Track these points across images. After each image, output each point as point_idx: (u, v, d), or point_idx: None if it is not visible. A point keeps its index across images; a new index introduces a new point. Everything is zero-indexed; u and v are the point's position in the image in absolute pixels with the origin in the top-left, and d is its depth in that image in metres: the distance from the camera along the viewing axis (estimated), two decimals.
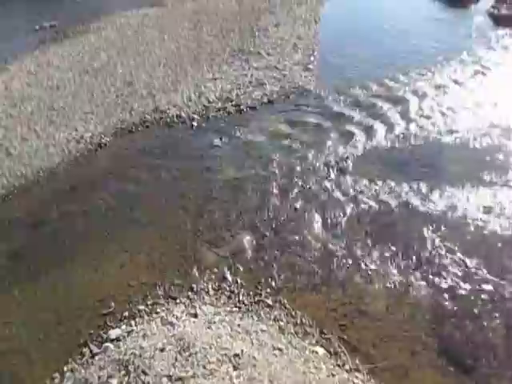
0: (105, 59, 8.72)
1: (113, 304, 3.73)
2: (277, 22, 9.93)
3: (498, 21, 9.23)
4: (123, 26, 10.85)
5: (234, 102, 6.67)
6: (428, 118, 5.91)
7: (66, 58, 9.00)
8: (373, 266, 3.87)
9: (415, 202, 4.52)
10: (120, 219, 4.67)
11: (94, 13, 12.42)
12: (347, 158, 5.27)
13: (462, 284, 3.63)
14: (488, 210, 4.32)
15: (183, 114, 6.50)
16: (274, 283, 3.80)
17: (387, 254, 3.97)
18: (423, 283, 3.68)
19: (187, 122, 6.37)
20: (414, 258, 3.92)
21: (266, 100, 6.70)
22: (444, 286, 3.64)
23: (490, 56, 7.50)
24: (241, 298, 3.70)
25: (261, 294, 3.71)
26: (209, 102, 6.75)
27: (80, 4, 14.40)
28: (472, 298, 3.52)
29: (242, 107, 6.55)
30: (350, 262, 3.94)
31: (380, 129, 5.77)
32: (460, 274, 3.72)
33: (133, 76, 7.85)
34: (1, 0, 16.37)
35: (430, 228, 4.19)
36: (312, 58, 7.96)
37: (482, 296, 3.52)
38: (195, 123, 6.30)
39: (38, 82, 7.98)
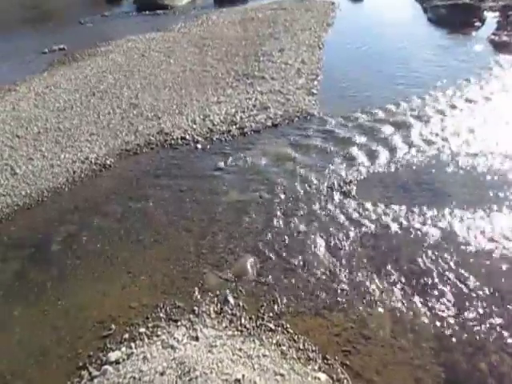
0: (111, 82, 8.86)
1: (113, 326, 3.70)
2: (281, 47, 10.10)
3: (499, 48, 9.36)
4: (130, 49, 11.06)
5: (238, 125, 6.74)
6: (430, 142, 5.94)
7: (73, 80, 9.15)
8: (376, 291, 3.84)
9: (418, 226, 4.50)
10: (123, 240, 4.67)
11: (102, 37, 12.69)
12: (350, 181, 5.28)
13: (467, 311, 3.59)
14: (492, 235, 4.29)
15: (188, 137, 6.57)
16: (276, 307, 3.77)
17: (391, 279, 3.94)
18: (427, 309, 3.64)
19: (192, 144, 6.43)
20: (418, 283, 3.88)
21: (270, 123, 6.76)
22: (449, 312, 3.59)
23: (491, 82, 7.59)
24: (243, 321, 3.66)
25: (263, 318, 3.67)
26: (213, 124, 6.82)
27: (89, 28, 14.73)
28: (477, 325, 3.47)
29: (246, 130, 6.62)
30: (354, 286, 3.91)
31: (383, 153, 5.80)
32: (465, 300, 3.68)
33: (138, 98, 7.96)
34: (13, 23, 16.79)
35: (434, 253, 4.16)
36: (316, 83, 8.06)
37: (488, 323, 3.47)
38: (200, 145, 6.35)
39: (46, 103, 8.10)
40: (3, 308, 4.00)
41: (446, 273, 3.95)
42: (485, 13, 11.60)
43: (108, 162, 6.10)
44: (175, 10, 16.68)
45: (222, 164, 5.86)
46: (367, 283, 3.92)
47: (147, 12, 16.45)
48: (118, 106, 7.73)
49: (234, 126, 6.73)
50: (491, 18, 11.40)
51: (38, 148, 6.51)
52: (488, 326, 3.46)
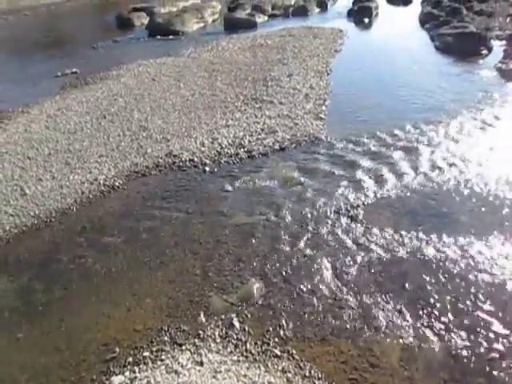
0: (122, 105, 9.01)
1: (117, 349, 3.66)
2: (289, 72, 10.24)
3: (506, 75, 9.42)
4: (141, 73, 11.28)
5: (246, 149, 6.79)
6: (437, 167, 5.94)
7: (84, 102, 9.32)
8: (384, 318, 3.77)
9: (426, 252, 4.46)
10: (129, 261, 4.66)
11: (114, 61, 12.97)
12: (358, 205, 5.27)
13: (477, 339, 3.51)
14: (501, 262, 4.23)
15: (196, 159, 6.62)
16: (282, 332, 3.71)
17: (399, 306, 3.88)
18: (437, 338, 3.56)
19: (200, 166, 6.47)
20: (426, 310, 3.82)
21: (277, 147, 6.81)
22: (459, 341, 3.52)
23: (499, 110, 7.61)
24: (248, 346, 3.60)
25: (269, 344, 3.61)
26: (221, 147, 6.88)
27: (102, 53, 15.07)
28: (488, 354, 3.39)
29: (253, 153, 6.66)
30: (361, 312, 3.85)
31: (390, 178, 5.79)
32: (475, 328, 3.61)
33: (148, 121, 8.07)
34: (27, 48, 17.24)
35: (443, 279, 4.11)
36: (323, 108, 8.14)
37: (500, 352, 3.39)
38: (207, 168, 6.39)
39: (57, 125, 8.23)
40: (7, 329, 3.98)
41: (456, 300, 3.88)
42: (491, 41, 11.73)
43: (116, 183, 6.15)
44: (186, 35, 17.06)
45: (229, 187, 5.88)
46: (374, 309, 3.86)
47: (158, 37, 16.85)
48: (127, 128, 7.84)
49: (242, 149, 6.78)
50: (498, 46, 11.52)
51: (47, 169, 6.59)
52: (501, 355, 3.38)
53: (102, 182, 6.18)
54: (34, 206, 5.72)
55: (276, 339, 3.65)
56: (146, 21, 20.04)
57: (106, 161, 6.72)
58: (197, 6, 23.08)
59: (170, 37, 16.77)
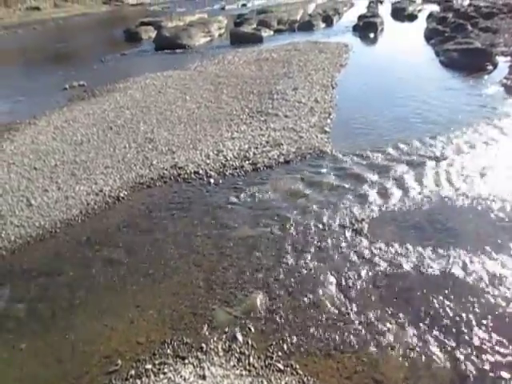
0: (128, 117, 9.09)
1: (120, 361, 3.63)
2: (295, 86, 10.31)
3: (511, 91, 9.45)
4: (148, 86, 11.40)
5: (251, 161, 6.81)
6: (443, 182, 5.92)
7: (91, 114, 9.41)
8: (389, 333, 3.73)
9: (432, 266, 4.42)
10: (133, 273, 4.65)
11: (121, 74, 13.13)
12: (362, 219, 5.25)
13: (484, 356, 3.46)
14: (510, 278, 4.19)
15: (201, 171, 6.64)
16: (286, 346, 3.68)
17: (404, 321, 3.84)
18: (443, 354, 3.51)
19: (204, 178, 6.49)
20: (432, 325, 3.77)
21: (282, 160, 6.82)
22: (466, 358, 3.46)
23: (504, 125, 7.61)
24: (251, 360, 3.57)
25: (272, 358, 3.58)
26: (226, 160, 6.90)
27: (109, 66, 15.26)
28: (497, 371, 3.34)
29: (258, 166, 6.68)
30: (365, 327, 3.81)
31: (395, 192, 5.78)
32: (482, 345, 3.56)
33: (154, 133, 8.13)
34: (36, 62, 17.48)
35: (449, 295, 4.06)
36: (328, 121, 8.17)
37: (508, 371, 3.34)
38: (212, 180, 6.41)
39: (64, 136, 8.30)
40: (11, 339, 3.96)
41: (462, 316, 3.83)
42: (497, 57, 11.79)
43: (121, 194, 6.17)
44: (192, 49, 17.28)
45: (234, 199, 5.89)
46: (379, 324, 3.82)
47: (165, 51, 17.07)
48: (133, 140, 7.89)
49: (247, 162, 6.80)
50: (503, 62, 11.58)
51: (54, 180, 6.63)
52: (509, 374, 3.32)
53: (107, 193, 6.20)
54: (40, 217, 5.74)
55: (279, 353, 3.62)
56: (153, 34, 20.34)
57: (112, 172, 6.75)
58: (204, 20, 23.43)
59: (177, 50, 16.99)
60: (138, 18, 26.36)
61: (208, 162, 6.89)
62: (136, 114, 9.26)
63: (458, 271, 4.34)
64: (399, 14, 21.98)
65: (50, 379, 3.56)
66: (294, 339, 3.74)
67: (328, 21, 20.98)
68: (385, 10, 23.45)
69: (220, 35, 20.36)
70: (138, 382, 3.44)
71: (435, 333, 3.70)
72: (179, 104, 9.71)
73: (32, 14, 34.86)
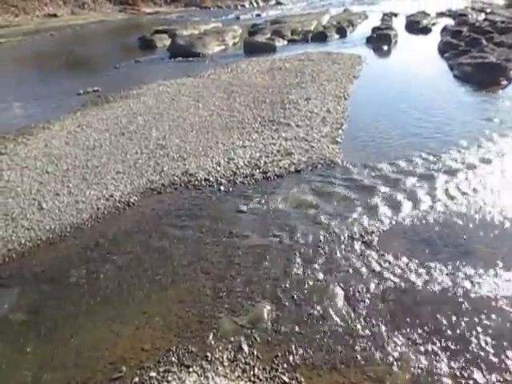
0: (141, 123, 9.15)
1: (124, 368, 3.62)
2: (307, 96, 10.32)
3: None
4: (161, 93, 11.48)
5: (261, 170, 6.81)
6: (454, 197, 5.85)
7: (104, 120, 9.49)
8: (396, 349, 3.67)
9: (441, 282, 4.36)
10: (141, 279, 4.65)
11: (135, 81, 13.26)
12: (372, 231, 5.20)
13: (492, 377, 3.38)
14: None
15: (211, 178, 6.65)
16: (291, 358, 3.64)
17: (412, 337, 3.78)
18: (450, 372, 3.45)
19: (215, 186, 6.50)
20: (440, 343, 3.71)
21: (293, 169, 6.81)
22: (473, 378, 3.39)
23: None
24: (256, 371, 3.53)
25: (277, 370, 3.54)
26: (237, 167, 6.91)
27: (123, 73, 15.42)
28: None
29: (269, 175, 6.67)
30: (372, 342, 3.75)
31: (406, 205, 5.72)
32: (490, 366, 3.48)
33: (166, 140, 8.17)
34: (52, 67, 17.73)
35: (458, 312, 4.00)
36: (340, 132, 8.15)
37: None
38: (223, 188, 6.41)
39: (76, 141, 8.38)
40: (16, 343, 3.97)
41: (471, 335, 3.77)
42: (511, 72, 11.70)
43: (132, 200, 6.19)
44: (206, 57, 17.39)
45: (243, 207, 5.88)
46: (387, 340, 3.76)
47: (179, 59, 17.21)
48: (145, 146, 7.94)
49: (258, 170, 6.80)
50: None
51: (65, 184, 6.68)
52: None
53: (117, 198, 6.23)
54: (50, 221, 5.78)
55: (285, 365, 3.58)
56: (167, 42, 20.52)
57: (123, 177, 6.79)
58: (218, 29, 23.63)
59: (191, 58, 17.12)
60: (153, 26, 26.67)
61: (219, 169, 6.91)
62: (148, 120, 9.32)
63: (468, 288, 4.27)
64: (413, 26, 21.95)
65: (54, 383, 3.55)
66: (300, 351, 3.70)
67: (342, 32, 21.01)
68: (399, 23, 23.44)
69: (234, 44, 20.49)
70: None
71: (443, 350, 3.64)
72: (192, 111, 9.76)
73: (49, 21, 35.44)
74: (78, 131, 8.93)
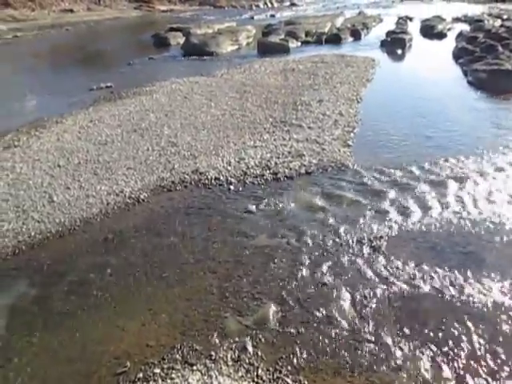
0: (153, 120, 9.20)
1: (128, 363, 3.64)
2: (320, 98, 10.29)
3: None
4: (174, 91, 11.53)
5: (272, 170, 6.80)
6: (465, 205, 5.79)
7: (117, 116, 9.55)
8: (401, 355, 3.65)
9: (449, 290, 4.32)
10: (147, 275, 4.67)
11: (148, 78, 13.33)
12: (381, 236, 5.17)
13: None
14: None
15: (222, 178, 6.66)
16: (295, 361, 3.63)
17: (417, 344, 3.75)
18: (457, 381, 3.41)
19: (225, 185, 6.51)
20: (446, 351, 3.67)
21: (303, 171, 6.80)
22: None
23: None
24: (259, 372, 3.53)
25: (281, 371, 3.53)
26: (247, 167, 6.91)
27: (137, 69, 15.50)
28: None
29: (279, 176, 6.66)
30: (378, 347, 3.73)
31: (416, 211, 5.68)
32: (497, 374, 3.45)
33: (177, 138, 8.20)
34: (67, 62, 17.88)
35: (465, 320, 3.95)
36: (352, 135, 8.12)
37: None
38: (232, 187, 6.42)
39: (88, 136, 8.45)
40: (23, 334, 4.01)
41: (478, 343, 3.73)
42: None
43: (142, 196, 6.22)
44: (220, 56, 17.43)
45: (253, 207, 5.88)
46: (392, 346, 3.74)
47: (193, 57, 17.27)
48: (157, 143, 7.97)
49: (268, 171, 6.79)
50: None
51: (76, 178, 6.73)
52: None
53: (127, 194, 6.27)
54: (60, 214, 5.82)
55: (289, 367, 3.57)
56: (181, 40, 20.62)
57: (134, 173, 6.83)
58: (232, 29, 23.68)
59: (204, 57, 17.16)
60: (167, 24, 26.79)
61: (229, 168, 6.91)
62: (160, 117, 9.36)
63: (476, 296, 4.23)
64: (428, 31, 21.81)
65: (59, 376, 3.58)
66: (305, 354, 3.69)
67: (356, 35, 20.94)
68: (414, 27, 23.29)
69: (248, 44, 20.51)
70: None
71: (449, 359, 3.60)
72: (204, 110, 9.79)
73: (65, 16, 35.77)
74: (90, 126, 8.99)
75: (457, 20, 25.80)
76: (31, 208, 5.96)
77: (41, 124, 9.37)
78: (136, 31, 29.51)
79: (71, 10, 37.74)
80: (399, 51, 16.99)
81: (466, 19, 25.58)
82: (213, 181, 6.60)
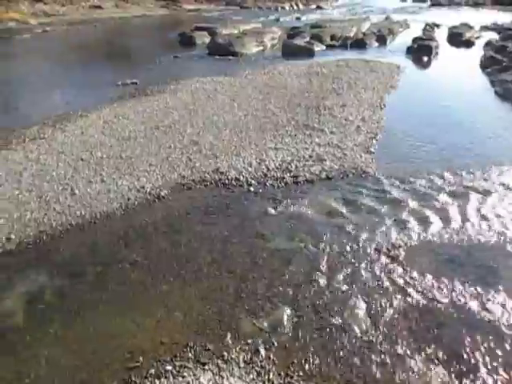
0: (176, 118, 9.27)
1: (141, 359, 3.67)
2: (343, 103, 10.24)
3: None
4: (198, 90, 11.61)
5: (292, 174, 6.79)
6: (488, 219, 5.67)
7: (140, 112, 9.66)
8: (415, 369, 3.59)
9: (468, 305, 4.24)
10: (165, 273, 4.70)
11: (173, 76, 13.44)
12: (399, 246, 5.12)
13: None
14: None
15: (242, 178, 6.68)
16: (307, 366, 3.61)
17: (432, 358, 3.69)
18: None
19: (245, 186, 6.52)
20: (461, 367, 3.60)
21: (324, 176, 6.77)
22: None
23: None
24: (271, 376, 3.52)
25: (292, 377, 3.52)
26: (268, 169, 6.91)
27: (162, 67, 15.65)
28: None
29: (299, 179, 6.65)
30: (391, 359, 3.68)
31: (436, 222, 5.60)
32: None
33: (200, 136, 8.25)
34: (94, 58, 18.16)
35: (482, 336, 3.88)
36: (374, 142, 8.05)
37: None
38: (252, 188, 6.43)
39: (112, 131, 8.56)
40: (41, 323, 4.08)
41: (495, 361, 3.65)
42: None
43: (162, 193, 6.28)
44: (244, 57, 17.48)
45: (271, 210, 5.88)
46: (406, 358, 3.69)
47: (217, 57, 17.35)
48: (179, 141, 8.04)
49: (288, 174, 6.78)
50: None
51: (98, 172, 6.83)
52: None
53: (148, 190, 6.33)
54: (81, 207, 5.91)
55: (300, 373, 3.55)
56: (207, 40, 20.73)
57: (155, 170, 6.89)
58: (258, 30, 23.71)
59: (229, 57, 17.22)
60: (193, 23, 26.98)
61: (250, 169, 6.93)
62: (184, 116, 9.43)
63: (495, 313, 4.15)
64: (456, 39, 21.48)
65: (73, 367, 3.63)
66: (317, 360, 3.67)
67: (382, 40, 20.77)
68: (441, 34, 22.97)
69: (272, 46, 20.50)
70: (157, 381, 3.46)
71: (464, 375, 3.54)
72: (227, 110, 9.83)
73: (94, 13, 36.35)
74: (114, 121, 9.11)
75: (485, 28, 25.32)
76: (53, 199, 6.07)
77: (66, 117, 9.53)
78: (162, 29, 29.81)
79: (100, 7, 38.30)
80: (425, 58, 16.76)
81: (494, 27, 25.10)
82: (233, 181, 6.62)
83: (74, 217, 5.71)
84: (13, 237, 5.28)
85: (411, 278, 4.61)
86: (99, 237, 5.37)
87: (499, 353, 3.72)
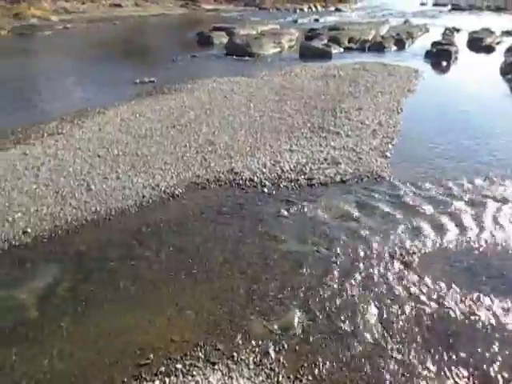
0: (192, 117, 9.32)
1: (152, 356, 3.68)
2: (359, 106, 10.18)
3: None
4: (214, 89, 11.65)
5: (306, 176, 6.77)
6: (505, 228, 5.58)
7: (157, 111, 9.73)
8: (426, 378, 3.54)
9: (482, 315, 4.17)
10: (177, 271, 4.72)
11: (190, 75, 13.51)
12: (414, 252, 5.06)
13: None
14: None
15: (256, 179, 6.68)
16: (317, 371, 3.59)
17: (444, 368, 3.63)
18: None
19: (258, 187, 6.52)
20: (474, 377, 3.55)
21: (338, 179, 6.73)
22: None
23: None
24: (280, 379, 3.51)
25: (301, 380, 3.50)
26: (282, 171, 6.90)
27: (180, 66, 15.75)
28: None
29: (313, 182, 6.63)
30: (402, 367, 3.64)
31: (451, 229, 5.53)
32: None
33: (215, 136, 8.27)
34: (112, 55, 18.34)
35: (496, 348, 3.81)
36: (390, 146, 7.98)
37: None
38: (266, 190, 6.43)
39: (129, 128, 8.63)
40: (54, 317, 4.13)
41: (508, 373, 3.59)
42: None
43: (176, 192, 6.31)
44: (261, 58, 17.49)
45: (285, 212, 5.86)
46: (417, 366, 3.64)
47: (235, 57, 17.40)
48: (194, 140, 8.07)
49: (303, 176, 6.76)
50: None
51: (114, 169, 6.89)
52: None
53: (163, 188, 6.37)
54: (97, 203, 5.97)
55: (309, 377, 3.53)
56: (225, 40, 20.80)
57: (170, 169, 6.93)
58: (275, 31, 23.72)
59: (246, 58, 17.26)
60: (211, 23, 27.08)
61: (264, 171, 6.92)
62: (200, 115, 9.47)
63: (510, 325, 4.08)
64: (476, 44, 21.19)
65: (84, 361, 3.66)
66: (327, 365, 3.64)
67: (400, 44, 20.59)
68: (461, 39, 22.68)
69: (290, 47, 20.47)
70: (167, 379, 3.47)
71: None
72: (243, 110, 9.84)
73: (114, 11, 36.75)
74: (131, 119, 9.19)
75: (507, 33, 24.93)
76: (69, 194, 6.14)
77: (84, 113, 9.64)
78: (181, 28, 29.98)
79: (119, 5, 38.69)
80: (444, 63, 16.57)
81: None
82: (247, 182, 6.62)
83: (90, 212, 5.77)
84: (29, 230, 5.36)
85: (425, 285, 4.56)
86: (113, 233, 5.42)
87: None
